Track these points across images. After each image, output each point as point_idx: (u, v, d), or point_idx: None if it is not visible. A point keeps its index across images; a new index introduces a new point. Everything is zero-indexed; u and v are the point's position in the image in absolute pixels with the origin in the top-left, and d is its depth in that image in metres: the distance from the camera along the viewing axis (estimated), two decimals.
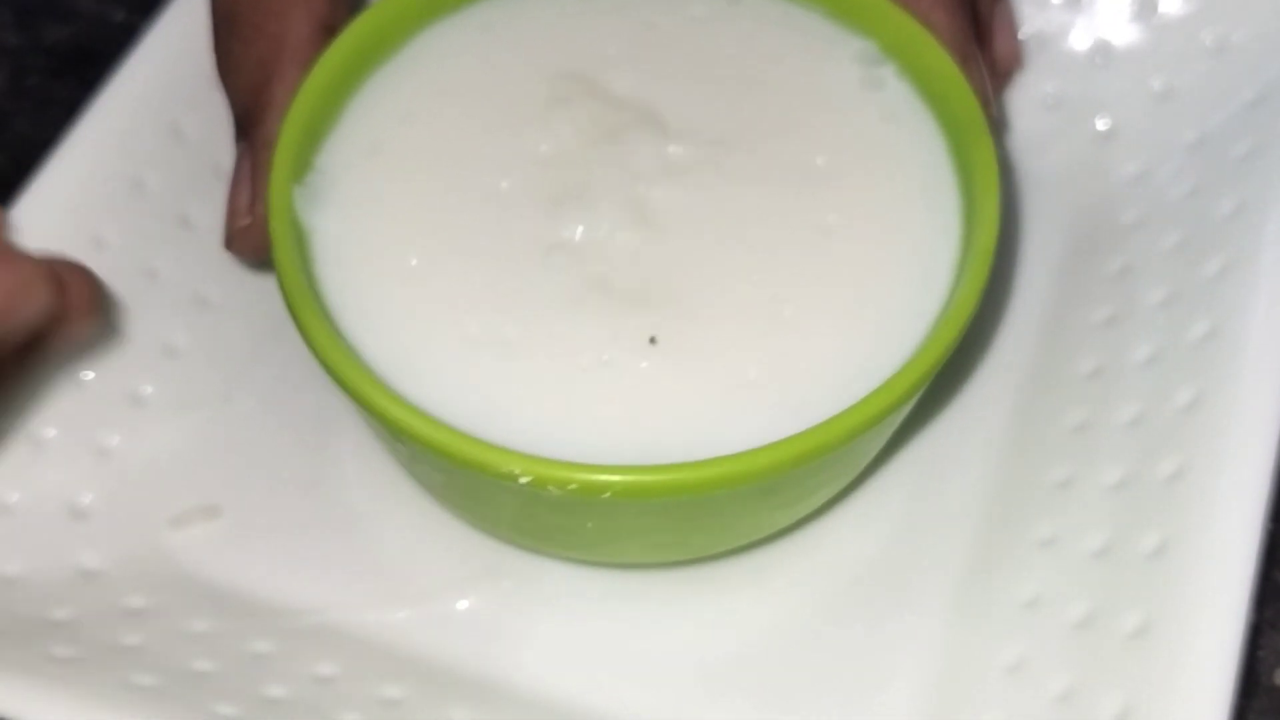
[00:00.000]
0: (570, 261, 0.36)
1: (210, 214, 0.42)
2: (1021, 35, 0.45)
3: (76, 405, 0.41)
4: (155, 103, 0.43)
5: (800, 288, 0.36)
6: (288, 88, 0.38)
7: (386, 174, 0.38)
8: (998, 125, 0.39)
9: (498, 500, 0.35)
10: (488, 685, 0.37)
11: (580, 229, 0.36)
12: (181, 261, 0.43)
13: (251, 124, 0.39)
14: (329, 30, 0.39)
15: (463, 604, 0.39)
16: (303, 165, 0.37)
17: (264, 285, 0.43)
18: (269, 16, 0.39)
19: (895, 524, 0.40)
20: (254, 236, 0.39)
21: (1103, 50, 0.46)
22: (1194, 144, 0.44)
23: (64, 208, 0.41)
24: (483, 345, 0.35)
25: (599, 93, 0.39)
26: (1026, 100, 0.46)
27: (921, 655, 0.37)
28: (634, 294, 0.35)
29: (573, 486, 0.32)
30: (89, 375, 0.41)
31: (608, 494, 0.32)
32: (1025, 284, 0.44)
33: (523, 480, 0.32)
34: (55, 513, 0.39)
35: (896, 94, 0.39)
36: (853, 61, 0.40)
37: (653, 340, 0.35)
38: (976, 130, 0.37)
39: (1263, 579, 0.35)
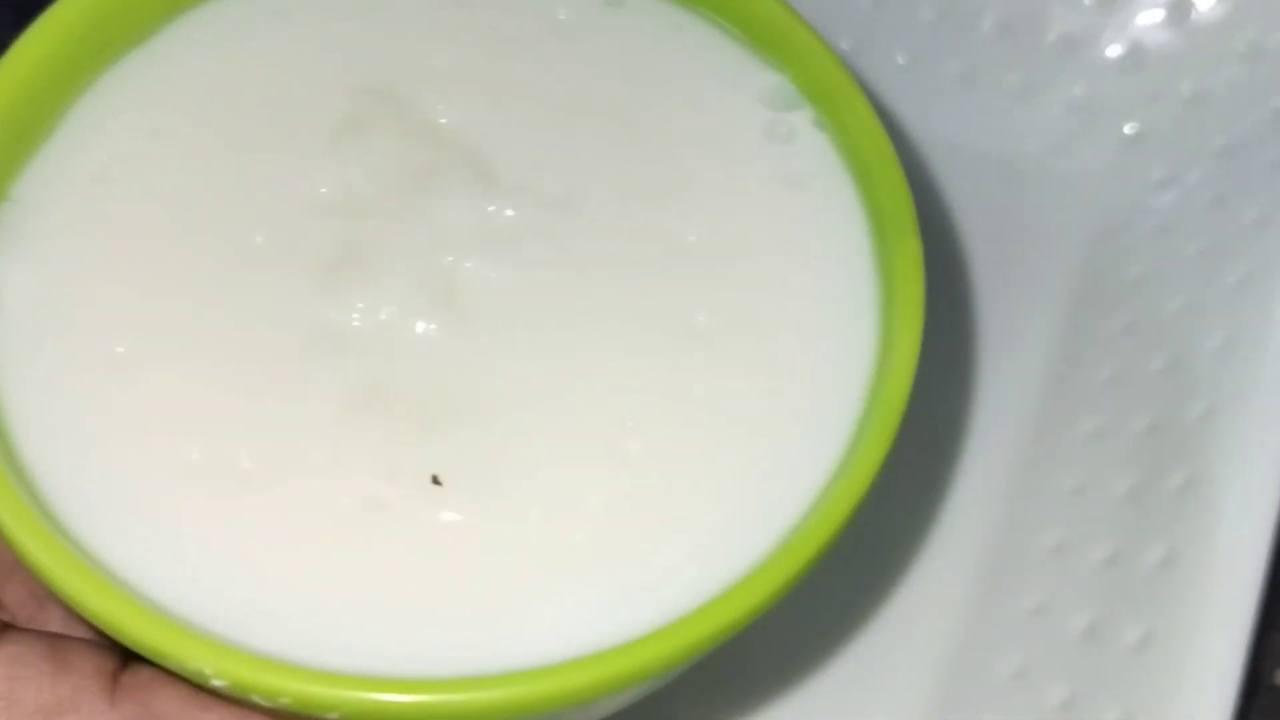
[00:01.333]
0: (341, 358, 0.27)
1: None
2: (1051, 37, 0.44)
3: None
4: None
5: (653, 414, 0.27)
6: None
7: (110, 213, 0.28)
8: None
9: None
10: None
11: (359, 310, 0.27)
12: None
13: None
14: None
15: None
16: None
17: None
18: None
19: (903, 524, 0.38)
20: None
21: (1134, 54, 0.43)
22: (1222, 150, 0.42)
23: None
24: (206, 478, 0.26)
25: (411, 119, 0.29)
26: (1054, 102, 0.44)
27: (925, 657, 0.36)
28: (424, 409, 0.27)
29: (285, 701, 0.24)
30: None
31: (335, 715, 0.24)
32: (1044, 286, 0.42)
33: (215, 684, 0.24)
34: None
35: (809, 151, 0.30)
36: (758, 101, 0.30)
37: (435, 480, 0.26)
38: (901, 222, 0.28)
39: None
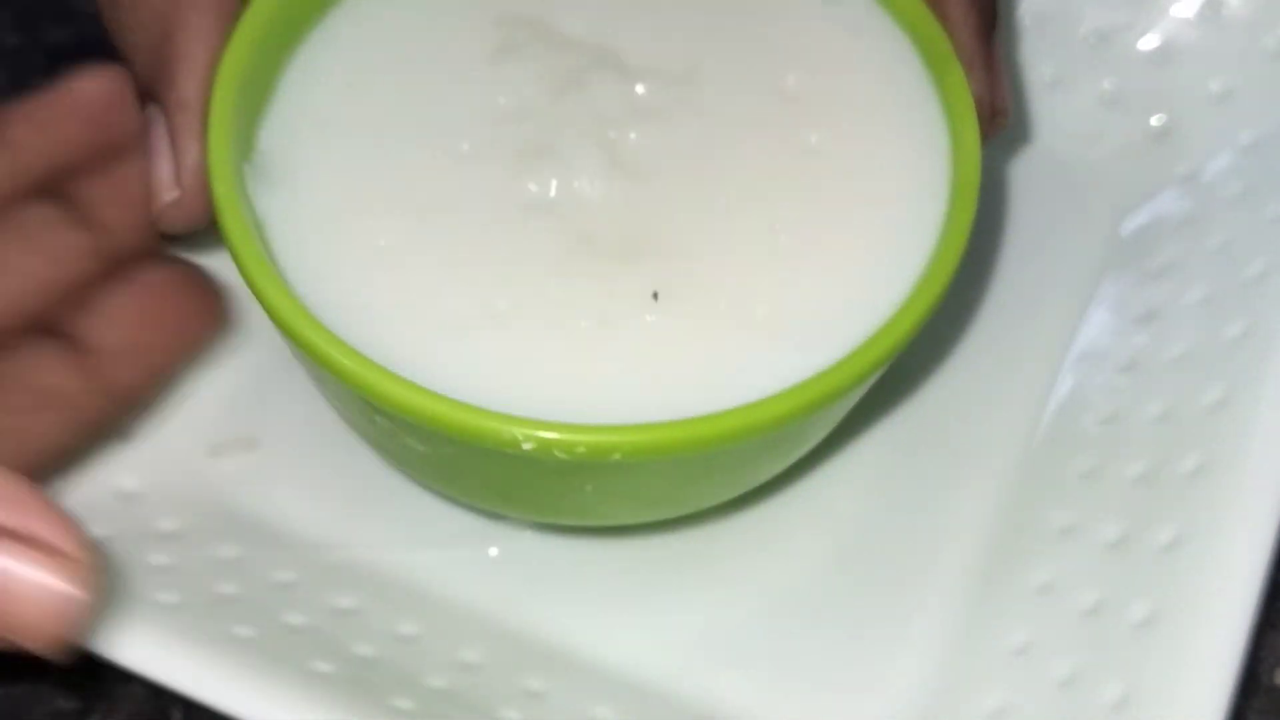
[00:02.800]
0: (551, 220, 0.35)
1: None
2: (1083, 30, 0.45)
3: None
4: None
5: (793, 213, 0.35)
6: (197, 38, 0.34)
7: (337, 149, 0.35)
8: (993, 138, 0.38)
9: (488, 470, 0.34)
10: (508, 632, 0.38)
11: (554, 184, 0.35)
12: None
13: (160, 85, 0.34)
14: None
15: (493, 550, 0.40)
16: (244, 145, 0.34)
17: None
18: None
19: (916, 498, 0.41)
20: (186, 209, 0.34)
21: (1165, 48, 0.45)
22: (1248, 146, 0.43)
23: None
24: (474, 322, 0.33)
25: (551, 36, 0.37)
26: (1085, 94, 0.46)
27: (932, 631, 0.38)
28: (625, 246, 0.34)
29: (580, 450, 0.30)
30: None
31: (617, 455, 0.31)
32: (1064, 273, 0.44)
33: (526, 446, 0.30)
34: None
35: (856, 7, 0.38)
36: None
37: (655, 296, 0.34)
38: (944, 52, 0.37)
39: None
